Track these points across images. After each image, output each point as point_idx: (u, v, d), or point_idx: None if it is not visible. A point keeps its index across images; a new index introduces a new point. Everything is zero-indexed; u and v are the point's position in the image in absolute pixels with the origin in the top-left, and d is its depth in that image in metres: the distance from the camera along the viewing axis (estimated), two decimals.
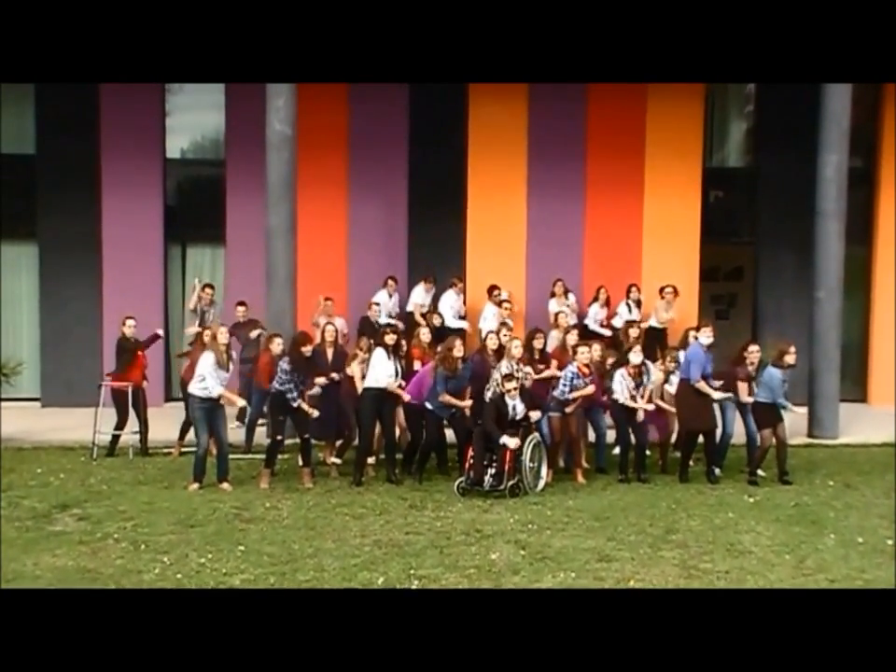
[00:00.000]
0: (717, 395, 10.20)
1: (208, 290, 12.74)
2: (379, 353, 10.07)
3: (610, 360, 10.68)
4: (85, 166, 14.11)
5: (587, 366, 10.24)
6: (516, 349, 10.23)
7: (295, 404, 9.80)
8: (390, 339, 10.07)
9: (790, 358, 10.16)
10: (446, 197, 14.49)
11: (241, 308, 12.45)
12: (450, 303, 13.68)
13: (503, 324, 12.11)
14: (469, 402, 10.16)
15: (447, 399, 9.98)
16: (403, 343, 10.55)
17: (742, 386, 10.27)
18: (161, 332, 11.94)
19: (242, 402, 10.54)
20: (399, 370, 10.17)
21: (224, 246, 14.52)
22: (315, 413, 9.96)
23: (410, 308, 13.77)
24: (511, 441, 9.41)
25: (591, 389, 10.18)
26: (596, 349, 10.50)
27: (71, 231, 14.14)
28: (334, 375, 10.38)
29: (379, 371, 9.98)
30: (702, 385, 10.13)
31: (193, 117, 14.75)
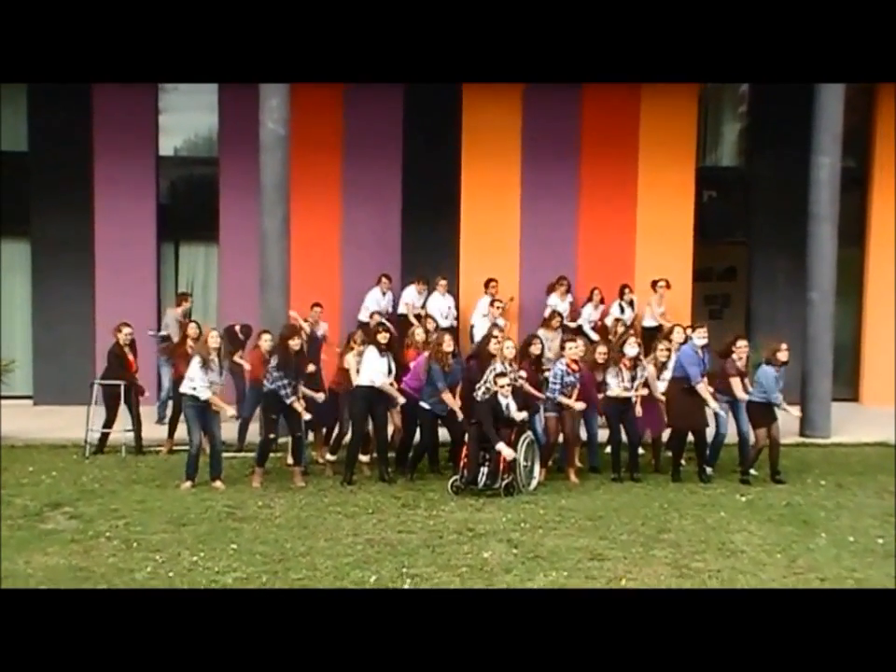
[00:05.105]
0: (713, 404, 10.15)
1: (183, 300, 12.92)
2: (371, 351, 10.06)
3: (601, 350, 10.56)
4: (78, 164, 14.09)
5: (576, 362, 10.24)
6: (508, 350, 10.20)
7: (288, 401, 9.80)
8: (383, 337, 10.07)
9: (782, 356, 10.17)
10: (440, 198, 14.49)
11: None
12: (437, 305, 13.68)
13: (494, 325, 12.10)
14: (458, 403, 10.05)
15: (448, 396, 9.95)
16: (395, 342, 10.50)
17: (735, 382, 10.25)
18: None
19: (232, 411, 10.09)
20: (392, 368, 10.17)
21: (217, 245, 14.51)
22: (307, 417, 9.95)
23: (402, 309, 13.79)
24: (506, 451, 9.37)
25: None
26: (580, 345, 10.46)
27: (64, 229, 14.12)
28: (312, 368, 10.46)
29: (371, 369, 9.98)
30: (702, 388, 10.11)
31: (187, 115, 14.71)
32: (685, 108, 14.64)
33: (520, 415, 9.69)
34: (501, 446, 9.37)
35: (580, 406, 10.17)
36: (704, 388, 10.13)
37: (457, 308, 14.10)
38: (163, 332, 12.95)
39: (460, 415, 10.01)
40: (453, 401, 10.00)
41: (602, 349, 10.61)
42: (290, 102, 11.87)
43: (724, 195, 15.91)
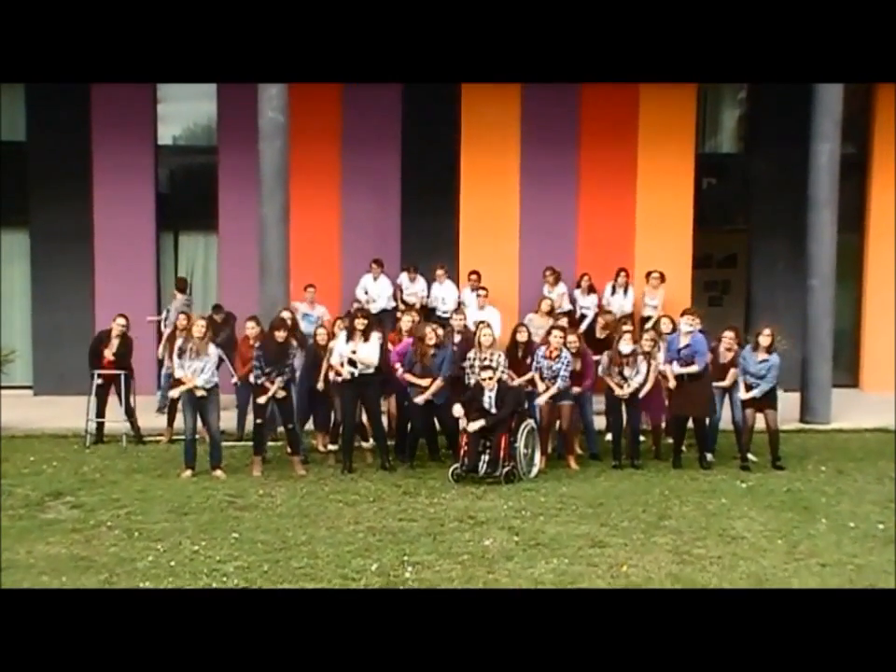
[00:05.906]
0: (672, 383, 10.24)
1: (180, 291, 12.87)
2: (340, 337, 10.11)
3: (571, 339, 10.39)
4: (77, 153, 14.04)
5: (557, 349, 10.22)
6: (485, 338, 10.20)
7: (259, 381, 9.82)
8: (360, 323, 9.99)
9: (762, 340, 10.27)
10: (439, 186, 14.44)
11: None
12: (435, 293, 13.67)
13: (456, 308, 12.14)
14: (427, 382, 10.00)
15: (407, 376, 10.05)
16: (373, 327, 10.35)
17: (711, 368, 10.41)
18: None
19: (197, 383, 9.71)
20: (366, 354, 9.97)
21: (217, 234, 14.48)
22: (282, 394, 9.86)
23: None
24: (470, 425, 9.51)
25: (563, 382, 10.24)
26: (560, 334, 10.39)
27: (63, 218, 14.08)
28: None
29: (336, 355, 10.04)
30: (666, 369, 10.29)
31: (186, 103, 14.65)
32: (684, 95, 14.57)
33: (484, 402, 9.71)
34: (462, 422, 9.61)
35: (540, 400, 10.21)
36: (670, 372, 10.24)
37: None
38: (167, 317, 12.88)
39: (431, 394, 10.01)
40: (416, 380, 10.03)
41: (572, 338, 10.51)
42: (289, 90, 11.83)
43: (724, 182, 15.89)
